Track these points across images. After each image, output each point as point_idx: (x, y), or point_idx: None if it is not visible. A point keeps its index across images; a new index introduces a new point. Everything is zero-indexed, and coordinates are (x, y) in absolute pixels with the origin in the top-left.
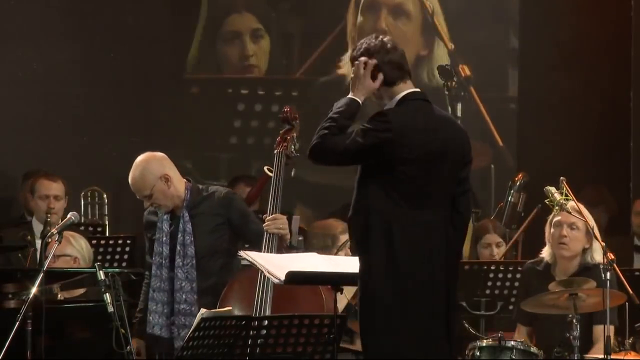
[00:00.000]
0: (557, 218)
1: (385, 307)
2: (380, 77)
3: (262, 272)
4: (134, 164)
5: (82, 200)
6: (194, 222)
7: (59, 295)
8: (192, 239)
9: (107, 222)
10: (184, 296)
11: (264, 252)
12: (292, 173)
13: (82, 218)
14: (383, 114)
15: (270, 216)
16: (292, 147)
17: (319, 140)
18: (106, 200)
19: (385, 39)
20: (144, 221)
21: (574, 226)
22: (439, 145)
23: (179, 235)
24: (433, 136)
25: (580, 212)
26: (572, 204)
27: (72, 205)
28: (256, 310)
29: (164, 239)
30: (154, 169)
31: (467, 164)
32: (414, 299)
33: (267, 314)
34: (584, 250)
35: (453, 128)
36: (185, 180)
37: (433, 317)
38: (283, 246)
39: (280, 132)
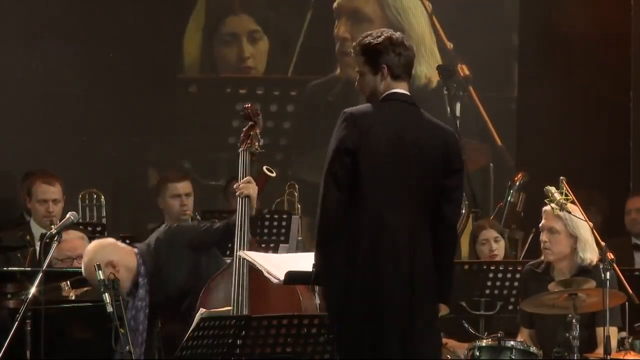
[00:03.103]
0: (541, 222)
1: (329, 307)
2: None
3: (236, 275)
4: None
5: (80, 203)
6: (161, 280)
7: (71, 295)
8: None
9: (104, 224)
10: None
11: (239, 218)
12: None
13: (80, 220)
14: (341, 115)
15: (244, 179)
16: (257, 143)
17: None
18: (104, 203)
19: (397, 33)
20: None
21: (553, 230)
22: (401, 150)
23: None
24: (393, 138)
25: (579, 211)
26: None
27: (71, 207)
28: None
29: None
30: (98, 258)
31: (454, 172)
32: (352, 302)
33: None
34: (573, 251)
35: (434, 135)
36: (134, 251)
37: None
38: (251, 212)
39: (243, 129)
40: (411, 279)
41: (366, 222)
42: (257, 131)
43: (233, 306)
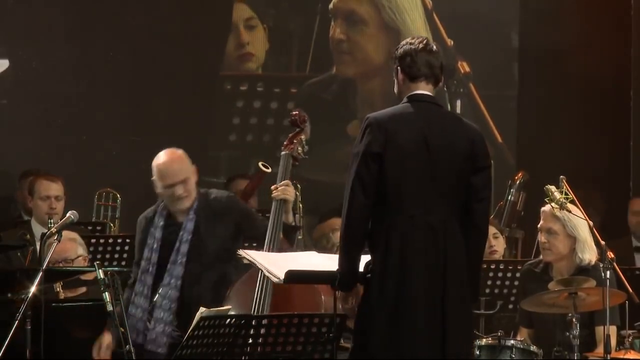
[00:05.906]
0: (539, 223)
1: (361, 309)
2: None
3: (261, 272)
4: (167, 152)
5: (96, 201)
6: (201, 227)
7: (61, 294)
8: (195, 241)
9: (113, 224)
10: (165, 302)
11: (272, 224)
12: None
13: (94, 218)
14: (365, 121)
15: (282, 182)
16: (300, 149)
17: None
18: (120, 202)
19: (427, 40)
20: (140, 224)
21: (551, 231)
22: (427, 149)
23: (183, 234)
24: (419, 138)
25: (579, 210)
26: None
27: (72, 206)
28: (254, 311)
29: (155, 246)
30: (189, 161)
31: (481, 170)
32: (384, 303)
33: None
34: (572, 252)
35: (459, 133)
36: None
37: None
38: (288, 220)
39: (290, 135)
40: (444, 277)
41: (398, 222)
42: (303, 137)
43: (255, 305)
